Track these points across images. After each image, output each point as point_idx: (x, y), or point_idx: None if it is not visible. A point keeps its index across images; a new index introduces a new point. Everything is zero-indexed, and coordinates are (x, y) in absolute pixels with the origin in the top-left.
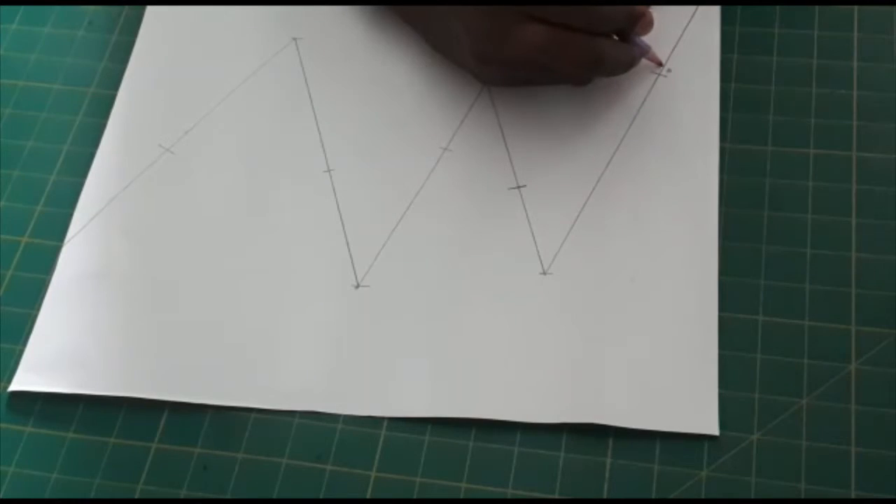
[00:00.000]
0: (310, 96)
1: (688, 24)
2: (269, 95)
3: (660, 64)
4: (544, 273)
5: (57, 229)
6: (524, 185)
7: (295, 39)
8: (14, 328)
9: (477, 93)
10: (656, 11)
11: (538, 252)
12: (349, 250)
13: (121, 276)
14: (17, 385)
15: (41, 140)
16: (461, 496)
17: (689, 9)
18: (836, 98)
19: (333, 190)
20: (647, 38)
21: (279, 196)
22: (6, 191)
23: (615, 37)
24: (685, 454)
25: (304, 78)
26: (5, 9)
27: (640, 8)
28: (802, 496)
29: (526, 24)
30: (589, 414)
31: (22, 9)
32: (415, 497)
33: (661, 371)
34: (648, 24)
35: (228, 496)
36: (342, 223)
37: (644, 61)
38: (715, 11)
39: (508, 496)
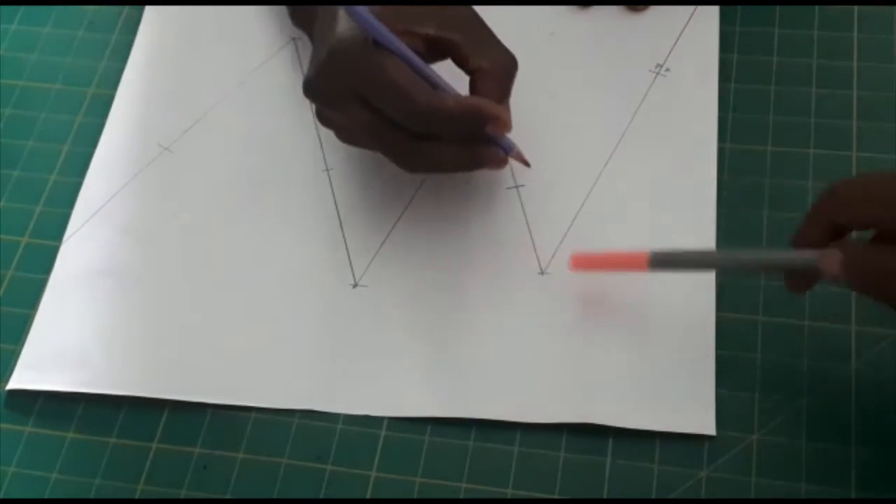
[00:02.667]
0: None
1: (686, 24)
2: (267, 95)
3: (526, 164)
4: (542, 273)
5: (57, 229)
6: (522, 185)
7: (294, 39)
8: (14, 328)
9: None
10: (655, 11)
11: (536, 252)
12: (347, 250)
13: (119, 274)
14: (14, 383)
15: (41, 140)
16: (461, 496)
17: (688, 8)
18: (836, 98)
19: (332, 189)
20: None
21: (277, 195)
22: (6, 191)
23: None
24: (685, 454)
25: (303, 76)
26: (5, 9)
27: (489, 111)
28: (802, 496)
29: (356, 105)
30: (586, 414)
31: (22, 9)
32: (415, 497)
33: (658, 371)
34: (502, 125)
35: (228, 496)
36: (340, 222)
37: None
38: (714, 11)
39: (508, 496)
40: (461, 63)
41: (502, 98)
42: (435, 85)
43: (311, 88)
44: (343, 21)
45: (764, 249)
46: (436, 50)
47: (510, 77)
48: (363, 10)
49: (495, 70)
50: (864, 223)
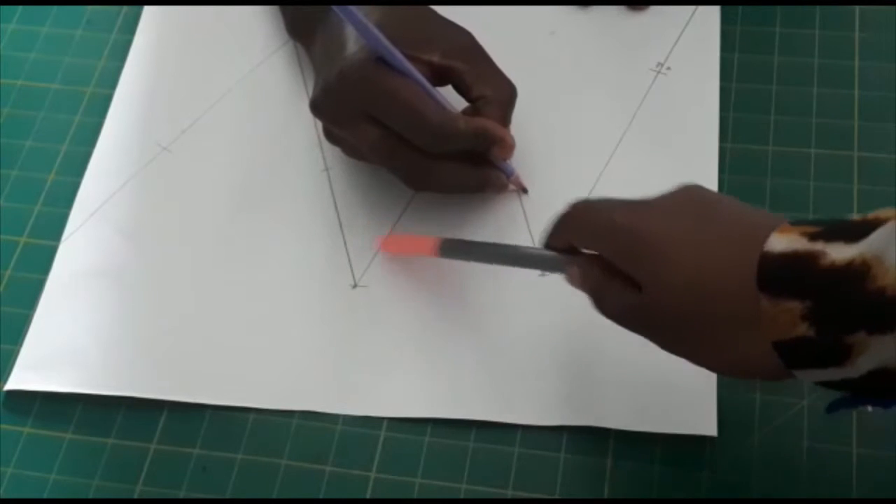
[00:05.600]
0: (307, 95)
1: (687, 24)
2: (266, 94)
3: (524, 190)
4: (543, 274)
5: (55, 229)
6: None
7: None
8: (12, 328)
9: None
10: (656, 10)
11: None
12: (347, 250)
13: (118, 275)
14: (13, 384)
15: (40, 140)
16: (461, 497)
17: (689, 8)
18: (838, 98)
19: (331, 189)
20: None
21: (276, 195)
22: (4, 190)
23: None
24: (686, 455)
25: (303, 76)
26: (4, 8)
27: (495, 133)
28: (803, 497)
29: (366, 123)
30: (588, 417)
31: (20, 8)
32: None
33: (660, 373)
34: (507, 149)
35: (228, 496)
36: (339, 222)
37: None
38: (715, 11)
39: (509, 497)
40: (463, 91)
41: (504, 125)
42: (444, 106)
43: (320, 107)
44: (353, 41)
45: (531, 248)
46: (438, 77)
47: (511, 105)
48: (376, 30)
49: (497, 98)
50: (585, 248)
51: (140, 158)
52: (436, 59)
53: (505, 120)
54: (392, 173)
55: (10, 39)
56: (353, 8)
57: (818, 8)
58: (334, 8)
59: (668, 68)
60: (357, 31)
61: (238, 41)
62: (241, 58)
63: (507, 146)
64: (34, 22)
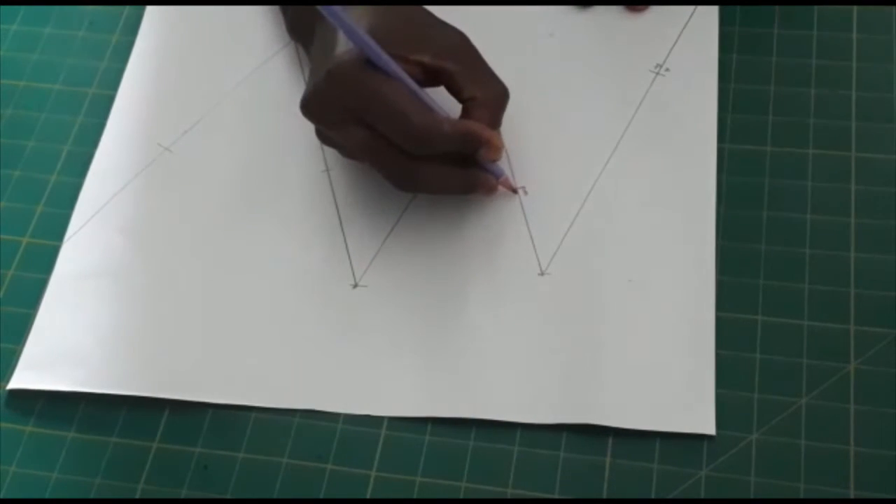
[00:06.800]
0: None
1: (686, 24)
2: (268, 95)
3: (514, 191)
4: (542, 273)
5: (57, 229)
6: (522, 186)
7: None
8: (15, 328)
9: None
10: (655, 11)
11: (536, 252)
12: (347, 250)
13: (119, 275)
14: (15, 383)
15: (42, 140)
16: (461, 496)
17: (688, 8)
18: (836, 98)
19: (332, 189)
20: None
21: (277, 195)
22: (7, 191)
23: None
24: (684, 454)
25: (303, 77)
26: (6, 9)
27: (482, 135)
28: (801, 496)
29: (354, 125)
30: (586, 415)
31: (23, 9)
32: (415, 497)
33: (658, 371)
34: (494, 151)
35: (229, 496)
36: (340, 223)
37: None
38: (713, 11)
39: (508, 496)
40: (454, 92)
41: (493, 126)
42: (429, 108)
43: (309, 108)
44: (342, 43)
45: None
46: (430, 77)
47: (501, 107)
48: (362, 32)
49: (488, 100)
50: None
51: (142, 159)
52: (427, 59)
53: (494, 122)
54: (380, 173)
55: (13, 40)
56: (342, 8)
57: (816, 9)
58: (320, 9)
59: (667, 69)
60: (344, 32)
61: (240, 42)
62: (243, 59)
63: (494, 148)
64: (36, 23)
